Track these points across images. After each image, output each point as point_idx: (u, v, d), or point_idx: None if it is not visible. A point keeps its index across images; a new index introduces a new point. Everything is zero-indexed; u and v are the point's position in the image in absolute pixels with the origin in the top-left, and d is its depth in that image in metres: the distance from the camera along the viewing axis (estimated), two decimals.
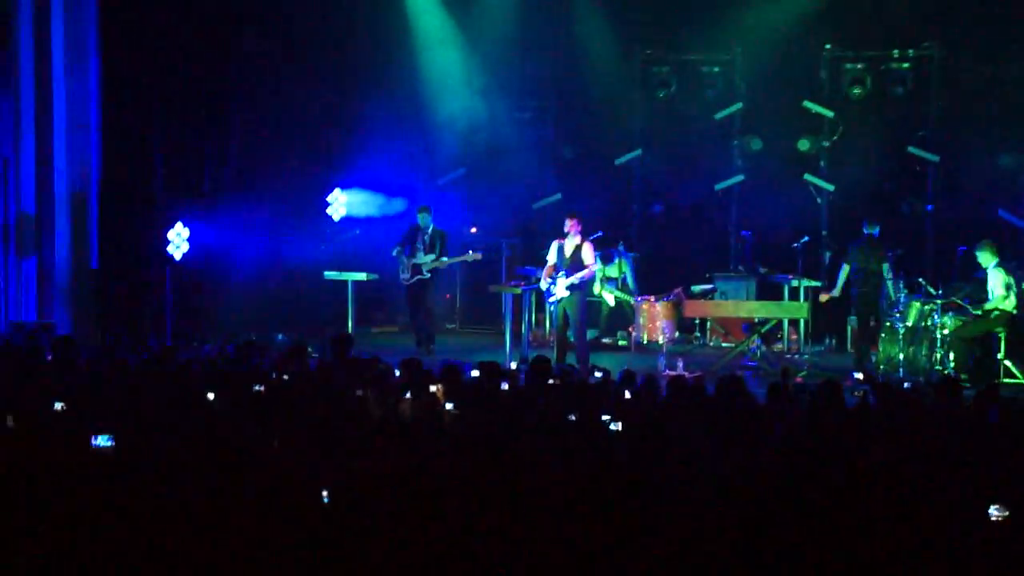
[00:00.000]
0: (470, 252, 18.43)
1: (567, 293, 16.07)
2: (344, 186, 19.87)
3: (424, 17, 21.12)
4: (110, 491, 6.61)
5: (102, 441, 7.51)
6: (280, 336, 18.16)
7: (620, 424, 8.81)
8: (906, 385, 12.98)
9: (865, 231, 17.18)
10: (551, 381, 11.04)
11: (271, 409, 9.20)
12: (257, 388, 10.31)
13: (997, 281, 15.71)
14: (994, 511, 6.51)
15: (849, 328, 18.83)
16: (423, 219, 18.18)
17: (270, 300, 19.44)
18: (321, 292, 19.38)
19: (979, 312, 15.74)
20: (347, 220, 19.95)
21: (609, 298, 19.08)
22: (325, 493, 6.50)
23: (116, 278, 18.20)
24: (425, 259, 18.05)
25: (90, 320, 17.79)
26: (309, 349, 14.57)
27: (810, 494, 6.70)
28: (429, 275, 18.14)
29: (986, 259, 15.86)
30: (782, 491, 6.82)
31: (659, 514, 6.37)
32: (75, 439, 7.72)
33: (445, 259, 18.19)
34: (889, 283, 16.95)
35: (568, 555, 5.94)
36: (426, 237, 18.13)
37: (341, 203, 19.87)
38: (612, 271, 19.13)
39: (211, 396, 10.06)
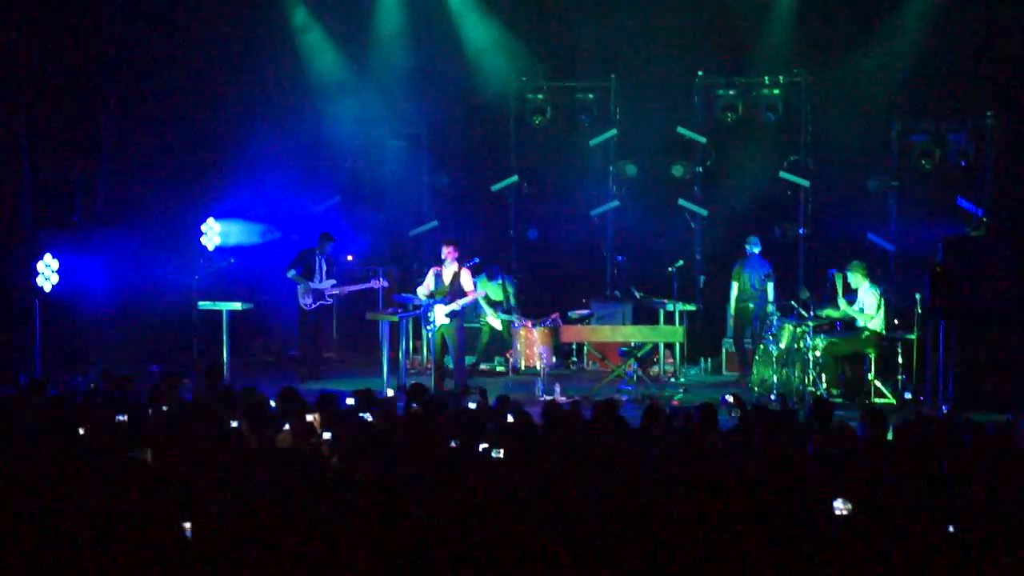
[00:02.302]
0: (375, 279, 18.35)
1: (447, 320, 16.07)
2: (218, 215, 19.66)
3: (302, 44, 21.02)
4: None
5: None
6: (154, 367, 17.92)
7: (502, 451, 8.80)
8: (775, 405, 13.18)
9: (747, 250, 17.66)
10: (427, 408, 11.01)
11: (142, 441, 9.05)
12: (120, 418, 10.15)
13: (873, 300, 16.01)
14: (838, 504, 6.75)
15: (725, 350, 19.06)
16: (325, 246, 18.08)
17: (144, 331, 19.16)
18: (195, 322, 19.14)
19: (849, 330, 16.06)
20: (221, 249, 19.74)
21: (495, 323, 19.06)
22: (188, 527, 6.40)
23: None
24: (326, 284, 17.98)
25: None
26: (185, 380, 14.39)
27: (684, 512, 6.75)
28: (331, 301, 18.14)
29: (857, 280, 16.16)
30: (658, 512, 6.86)
31: (540, 539, 6.36)
32: None
33: (353, 286, 18.18)
34: (771, 303, 17.44)
35: None
36: (324, 263, 18.06)
37: (215, 232, 19.66)
38: (496, 294, 19.14)
39: (81, 430, 9.89)
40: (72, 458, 8.62)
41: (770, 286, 17.90)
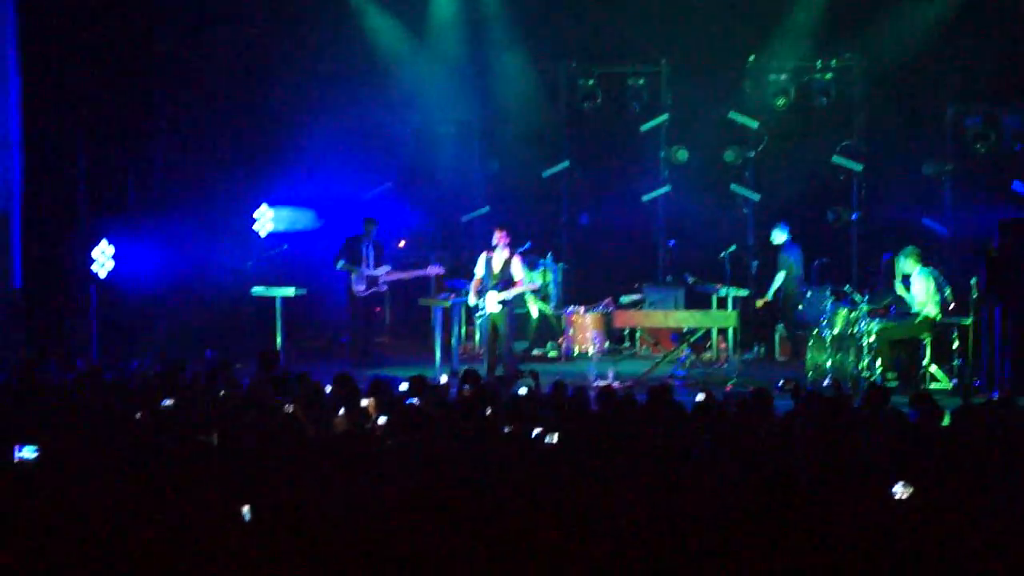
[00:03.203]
0: (431, 265, 18.42)
1: (498, 308, 16.05)
2: (271, 202, 19.76)
3: (356, 30, 21.02)
4: (33, 506, 6.53)
5: (27, 453, 7.40)
6: (208, 352, 18.02)
7: (556, 436, 8.80)
8: (829, 391, 13.11)
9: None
10: (479, 393, 11.03)
11: (198, 426, 9.12)
12: (167, 403, 10.23)
13: (923, 287, 15.87)
14: (898, 489, 6.69)
15: (778, 336, 19.00)
16: (370, 231, 18.13)
17: (198, 317, 19.27)
18: (249, 308, 19.26)
19: (904, 316, 15.95)
20: (274, 235, 19.83)
21: (533, 308, 19.07)
22: (246, 510, 6.45)
23: (41, 296, 17.97)
24: (379, 270, 18.02)
25: (15, 339, 17.55)
26: (238, 365, 14.49)
27: (741, 501, 6.74)
28: (385, 287, 18.19)
29: (910, 265, 16.03)
30: (713, 499, 6.85)
31: (596, 524, 6.37)
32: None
33: (410, 273, 18.23)
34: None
35: (505, 566, 5.93)
36: (372, 249, 18.09)
37: (268, 218, 19.75)
38: (536, 279, 19.14)
39: (138, 415, 9.98)
40: (130, 442, 8.70)
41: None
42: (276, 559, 6.00)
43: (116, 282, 17.96)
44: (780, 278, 18.39)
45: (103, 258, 17.62)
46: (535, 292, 19.09)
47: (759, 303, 18.44)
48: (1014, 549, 6.23)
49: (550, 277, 19.34)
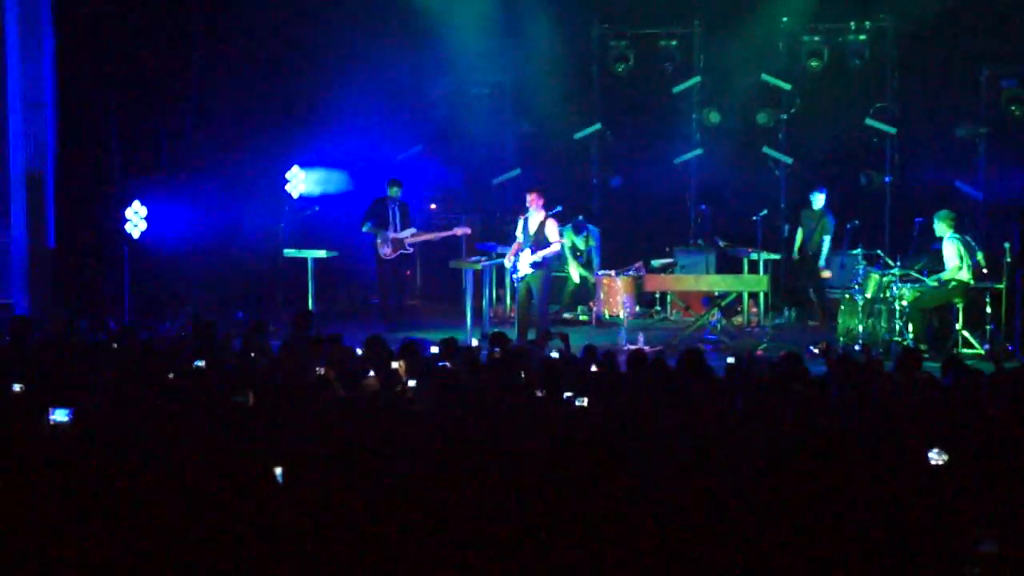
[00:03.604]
0: (457, 226, 18.43)
1: (531, 270, 16.05)
2: (302, 163, 19.77)
3: None
4: (68, 468, 6.57)
5: (60, 415, 7.44)
6: (240, 314, 18.10)
7: (585, 400, 8.81)
8: (860, 356, 13.08)
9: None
10: (510, 356, 11.05)
11: (230, 387, 9.16)
12: (199, 364, 10.28)
13: (953, 252, 15.79)
14: (933, 455, 6.67)
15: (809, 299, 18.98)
16: (394, 192, 18.13)
17: (230, 278, 19.35)
18: (281, 269, 19.32)
19: (936, 283, 15.85)
20: (305, 197, 19.86)
21: (575, 274, 19.03)
22: (279, 471, 6.47)
23: (74, 257, 18.05)
24: (404, 233, 18.02)
25: (48, 300, 17.65)
26: (271, 327, 14.55)
27: (775, 465, 6.73)
28: (412, 249, 18.19)
29: (943, 230, 15.96)
30: (747, 463, 6.85)
31: (628, 488, 6.38)
32: (32, 418, 7.67)
33: (436, 233, 18.24)
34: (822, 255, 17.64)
35: (536, 529, 5.94)
36: (397, 211, 18.09)
37: (300, 180, 19.77)
38: (580, 243, 19.09)
39: (171, 375, 10.04)
40: (162, 402, 8.75)
41: (827, 238, 18.09)
42: (307, 521, 6.03)
43: (149, 243, 18.02)
44: (828, 242, 18.31)
45: (136, 219, 17.68)
46: (576, 257, 19.05)
47: (824, 273, 18.40)
48: None
49: (593, 242, 19.27)
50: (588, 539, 5.84)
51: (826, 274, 18.45)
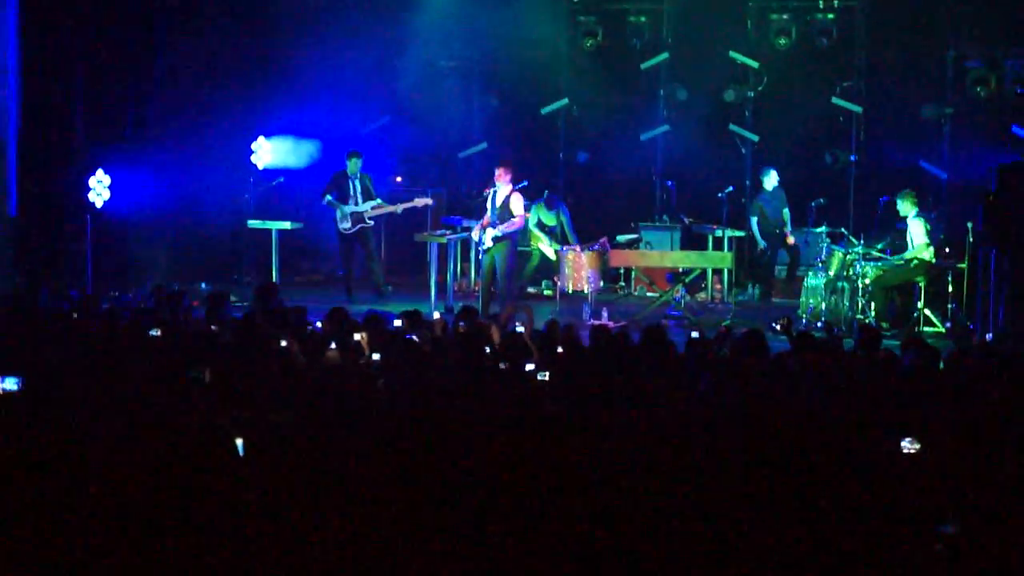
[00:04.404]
0: (418, 198, 18.37)
1: (493, 244, 16.03)
2: (268, 133, 19.68)
3: None
4: (14, 437, 6.52)
5: (8, 384, 7.36)
6: (203, 285, 18.04)
7: (547, 374, 8.81)
8: (822, 333, 13.14)
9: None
10: (474, 330, 11.04)
11: (190, 358, 9.12)
12: (154, 332, 10.20)
13: (921, 230, 15.89)
14: (906, 444, 6.66)
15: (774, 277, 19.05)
16: (353, 165, 18.07)
17: (194, 249, 19.27)
18: (245, 240, 19.26)
19: (899, 261, 15.94)
20: (271, 168, 19.78)
21: (548, 251, 18.92)
22: (240, 443, 6.44)
23: (36, 225, 17.93)
24: (365, 206, 17.97)
25: (9, 268, 17.53)
26: (232, 298, 14.50)
27: (736, 441, 6.75)
28: (372, 222, 18.11)
29: (906, 208, 16.06)
30: (709, 439, 6.87)
31: (589, 463, 6.39)
32: None
33: (398, 205, 18.14)
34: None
35: (497, 503, 5.94)
36: (357, 183, 18.03)
37: (265, 150, 19.68)
38: (547, 219, 19.05)
39: (131, 346, 9.99)
40: (122, 373, 8.71)
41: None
42: (268, 494, 6.01)
43: (112, 211, 17.92)
44: (787, 213, 18.45)
45: (99, 187, 17.57)
46: (547, 232, 18.99)
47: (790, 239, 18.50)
48: (1007, 488, 6.26)
49: (564, 217, 19.21)
50: (547, 514, 5.84)
51: (791, 240, 18.55)
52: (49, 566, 5.41)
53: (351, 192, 17.97)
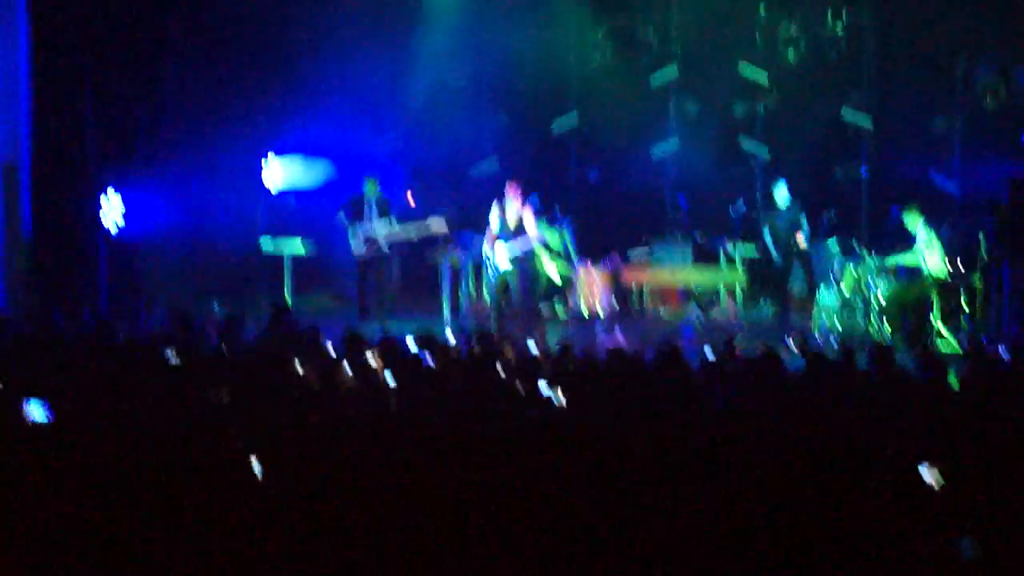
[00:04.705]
0: (432, 221, 18.14)
1: (509, 264, 15.94)
2: (279, 152, 19.72)
3: None
4: (42, 461, 6.56)
5: (33, 408, 7.39)
6: (216, 306, 18.05)
7: (562, 396, 8.80)
8: (835, 351, 13.10)
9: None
10: (488, 351, 11.04)
11: (206, 381, 9.14)
12: (173, 360, 10.23)
13: (927, 245, 15.86)
14: (924, 471, 6.63)
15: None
16: (372, 188, 17.98)
17: (206, 269, 19.29)
18: (258, 260, 19.28)
19: (910, 263, 15.93)
20: (282, 187, 19.82)
21: (554, 275, 18.84)
22: (256, 462, 6.47)
23: (49, 247, 17.97)
24: (380, 230, 17.78)
25: (23, 291, 17.58)
26: (247, 320, 14.50)
27: (751, 460, 6.75)
28: (389, 251, 17.96)
29: (913, 222, 16.03)
30: (727, 459, 6.87)
31: (605, 484, 6.39)
32: (5, 412, 7.63)
33: (411, 229, 17.96)
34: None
35: (510, 522, 5.95)
36: (374, 206, 17.97)
37: (275, 169, 19.71)
38: (554, 242, 18.97)
39: (145, 368, 10.00)
40: (138, 395, 8.73)
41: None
42: (285, 515, 6.03)
43: (124, 233, 17.96)
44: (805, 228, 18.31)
45: (111, 209, 17.61)
46: (551, 253, 18.93)
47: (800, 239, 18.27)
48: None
49: (567, 237, 19.14)
50: (561, 533, 5.85)
51: (801, 239, 18.36)
52: None
53: (367, 214, 17.91)
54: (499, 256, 15.96)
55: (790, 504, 6.19)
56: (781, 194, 18.38)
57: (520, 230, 15.97)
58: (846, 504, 6.22)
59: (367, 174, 18.25)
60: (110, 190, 17.61)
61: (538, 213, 17.21)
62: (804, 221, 18.26)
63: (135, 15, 18.64)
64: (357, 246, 17.89)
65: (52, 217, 17.94)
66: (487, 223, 16.40)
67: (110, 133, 18.62)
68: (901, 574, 5.66)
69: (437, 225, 18.10)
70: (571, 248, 18.79)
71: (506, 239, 15.97)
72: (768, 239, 18.50)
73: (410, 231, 18.01)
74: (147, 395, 8.84)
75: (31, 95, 17.88)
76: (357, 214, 17.89)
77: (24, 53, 17.82)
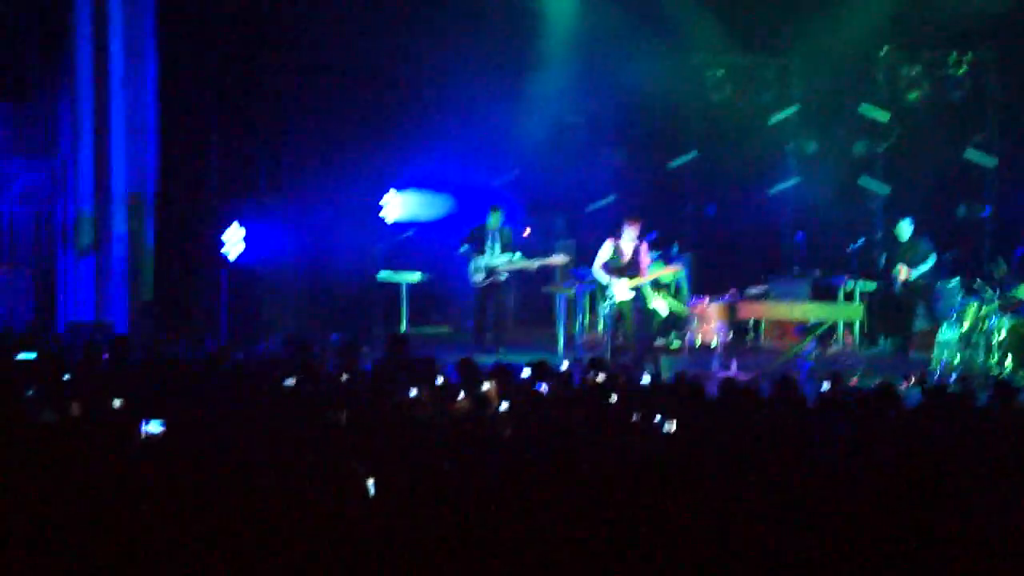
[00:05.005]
0: (557, 254, 18.32)
1: (628, 296, 15.95)
2: (398, 187, 19.91)
3: (492, 21, 20.97)
4: (160, 480, 6.68)
5: (153, 427, 7.53)
6: (335, 336, 18.22)
7: (673, 425, 8.79)
8: (956, 388, 12.90)
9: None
10: (604, 381, 11.04)
11: (324, 405, 9.26)
12: (290, 382, 10.37)
13: None
14: None
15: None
16: (495, 219, 18.13)
17: (324, 301, 19.51)
18: (374, 292, 19.45)
19: None
20: (400, 221, 20.00)
21: (662, 306, 18.77)
22: (371, 483, 6.53)
23: (173, 278, 18.31)
24: (500, 259, 17.96)
25: (148, 320, 17.92)
26: (364, 349, 14.64)
27: (865, 495, 6.68)
28: (505, 276, 18.11)
29: None
30: (836, 493, 6.80)
31: (715, 514, 6.35)
32: (127, 431, 7.79)
33: (534, 262, 18.11)
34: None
35: (613, 548, 5.94)
36: (497, 236, 18.09)
37: (395, 203, 19.90)
38: (666, 278, 18.91)
39: (264, 395, 10.15)
40: (255, 420, 8.86)
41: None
42: (397, 537, 6.07)
43: (246, 264, 18.22)
44: (932, 261, 18.04)
45: (234, 240, 17.90)
46: (665, 288, 18.88)
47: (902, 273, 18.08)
48: None
49: (682, 274, 19.04)
50: (671, 559, 5.82)
51: (904, 270, 18.10)
52: None
53: (488, 245, 18.04)
54: (618, 288, 15.97)
55: (904, 536, 6.12)
56: (905, 232, 18.16)
57: (636, 264, 15.97)
58: (959, 538, 6.13)
59: (492, 204, 18.36)
60: (235, 223, 17.89)
61: (654, 247, 17.19)
62: (931, 258, 17.98)
63: (261, 49, 18.97)
64: (477, 275, 18.02)
65: (176, 246, 18.30)
66: (596, 254, 16.41)
67: (235, 166, 18.95)
68: None
69: (561, 259, 18.22)
70: (684, 285, 18.73)
71: (625, 274, 15.95)
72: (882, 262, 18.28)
73: (532, 264, 18.15)
74: (264, 417, 8.97)
75: (158, 127, 18.27)
76: (479, 245, 18.03)
77: (152, 86, 18.23)
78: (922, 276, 18.10)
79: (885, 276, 18.68)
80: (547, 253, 18.63)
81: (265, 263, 18.71)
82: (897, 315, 18.58)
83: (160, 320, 17.78)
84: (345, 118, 19.91)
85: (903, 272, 17.97)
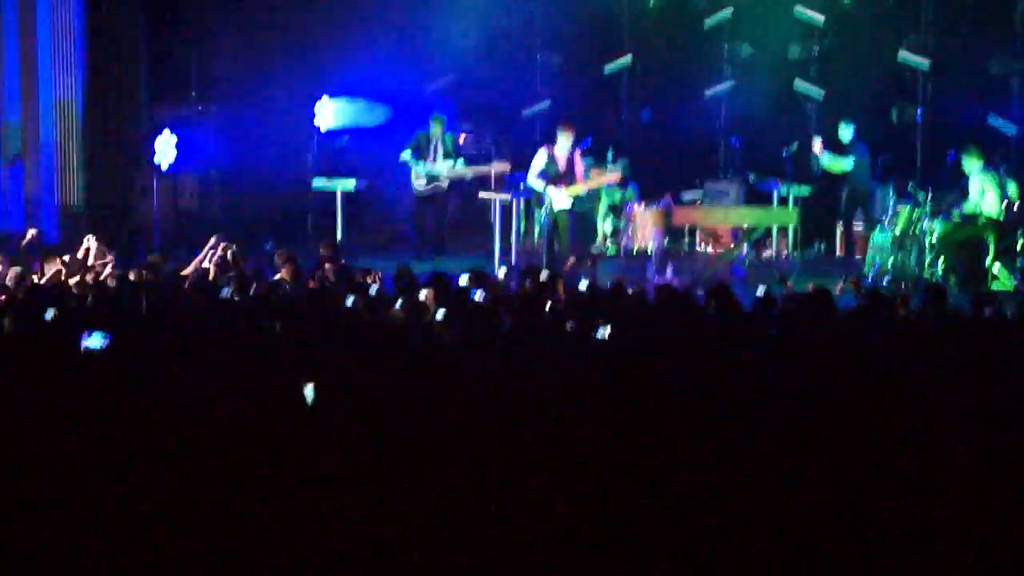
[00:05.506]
0: (495, 162, 18.27)
1: (566, 204, 15.94)
2: (331, 94, 19.72)
3: None
4: (99, 393, 6.64)
5: (94, 341, 7.45)
6: (268, 244, 18.12)
7: (608, 330, 8.78)
8: (888, 291, 13.03)
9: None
10: (538, 288, 11.05)
11: (259, 314, 9.23)
12: (225, 292, 10.33)
13: (984, 187, 15.71)
14: None
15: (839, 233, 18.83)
16: (438, 126, 18.03)
17: (258, 209, 19.37)
18: (310, 200, 19.33)
19: (967, 212, 15.78)
20: (334, 128, 19.83)
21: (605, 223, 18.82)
22: (309, 389, 6.52)
23: (104, 186, 18.10)
24: (441, 166, 17.90)
25: (79, 229, 17.73)
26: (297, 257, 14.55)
27: (800, 399, 6.74)
28: (446, 184, 18.05)
29: (971, 165, 15.87)
30: (773, 397, 6.86)
31: (653, 420, 6.39)
32: (65, 345, 7.73)
33: (469, 170, 18.08)
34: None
35: (560, 460, 5.96)
36: (439, 145, 17.99)
37: (328, 111, 19.72)
38: (614, 197, 18.94)
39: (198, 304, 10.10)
40: (189, 330, 8.82)
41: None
42: (335, 443, 6.07)
43: (176, 171, 18.05)
44: (849, 163, 18.03)
45: (166, 148, 17.70)
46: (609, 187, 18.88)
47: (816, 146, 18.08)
48: None
49: (632, 194, 19.03)
50: (606, 479, 5.82)
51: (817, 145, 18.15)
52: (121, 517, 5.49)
53: (430, 152, 17.95)
54: (556, 197, 15.94)
55: (840, 440, 6.18)
56: (846, 135, 18.17)
57: (571, 172, 15.95)
58: (896, 441, 6.21)
59: (434, 112, 18.24)
60: (166, 130, 17.68)
61: (591, 153, 17.15)
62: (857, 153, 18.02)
63: None
64: (419, 183, 17.95)
65: (106, 153, 18.07)
66: (530, 164, 16.37)
67: (164, 73, 18.71)
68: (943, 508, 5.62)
69: (500, 167, 18.16)
70: (632, 193, 18.73)
71: (561, 183, 15.92)
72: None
73: (469, 171, 18.11)
74: (202, 329, 8.92)
75: (85, 32, 17.96)
76: (421, 154, 17.93)
77: None
78: (852, 176, 18.11)
79: (820, 180, 18.75)
80: (486, 160, 18.54)
81: (196, 171, 18.53)
82: (828, 218, 18.71)
83: (91, 229, 17.57)
84: (276, 26, 19.69)
85: (816, 145, 17.95)
